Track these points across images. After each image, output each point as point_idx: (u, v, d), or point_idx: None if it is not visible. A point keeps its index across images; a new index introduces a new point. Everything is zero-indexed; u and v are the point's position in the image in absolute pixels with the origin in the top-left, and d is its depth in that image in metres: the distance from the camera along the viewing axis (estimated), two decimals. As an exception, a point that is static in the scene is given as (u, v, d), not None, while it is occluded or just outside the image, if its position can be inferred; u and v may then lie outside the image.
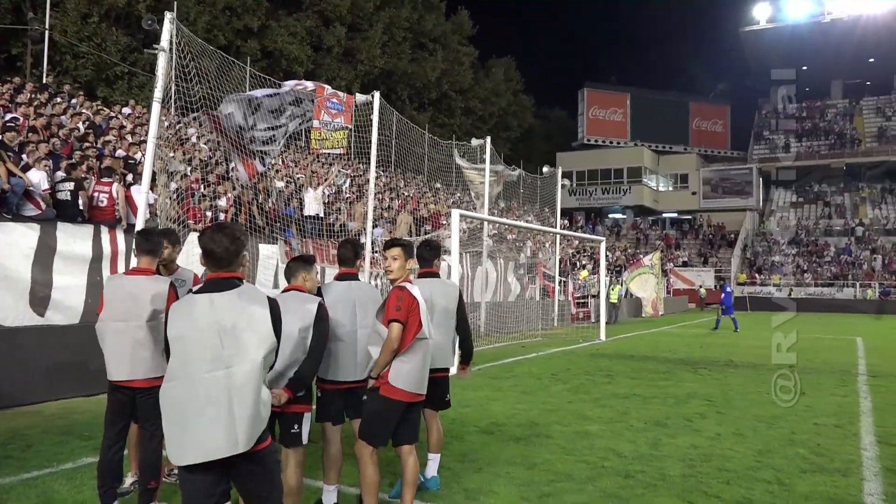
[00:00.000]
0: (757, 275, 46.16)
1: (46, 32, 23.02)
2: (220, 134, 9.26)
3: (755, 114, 63.02)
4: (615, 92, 62.88)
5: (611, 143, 60.93)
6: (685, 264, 48.70)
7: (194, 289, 3.10)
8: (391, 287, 4.24)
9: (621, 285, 28.73)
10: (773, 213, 55.40)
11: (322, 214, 14.47)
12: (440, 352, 4.86)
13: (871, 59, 54.66)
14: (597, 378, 10.88)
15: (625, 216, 58.11)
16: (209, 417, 2.77)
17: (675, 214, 57.93)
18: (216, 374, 2.80)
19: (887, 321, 29.89)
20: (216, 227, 3.01)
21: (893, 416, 8.03)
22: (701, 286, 43.08)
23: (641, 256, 34.76)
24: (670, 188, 58.79)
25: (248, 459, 2.87)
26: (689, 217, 57.19)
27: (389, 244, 4.39)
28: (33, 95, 15.51)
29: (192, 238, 10.76)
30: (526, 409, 8.07)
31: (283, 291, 4.08)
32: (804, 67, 57.75)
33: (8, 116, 12.52)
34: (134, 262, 4.46)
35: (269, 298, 3.01)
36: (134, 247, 4.45)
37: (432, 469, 4.99)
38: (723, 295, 24.99)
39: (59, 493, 4.71)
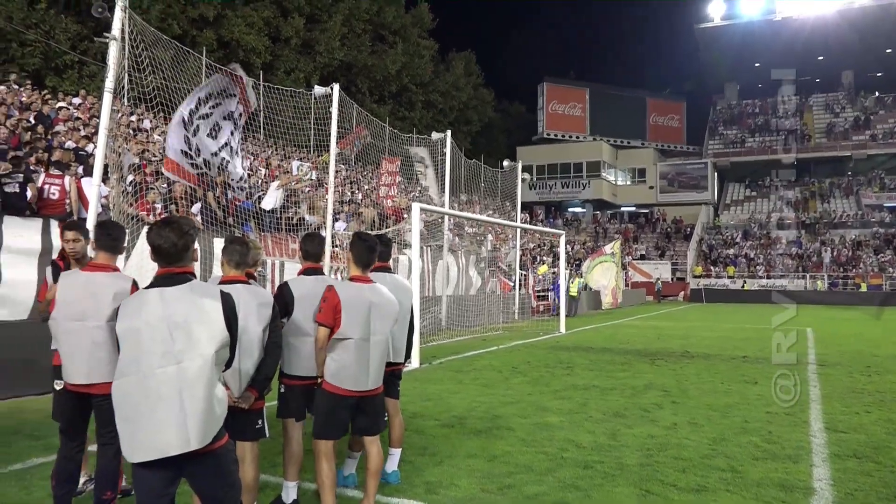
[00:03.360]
0: (712, 267, 47.21)
1: (-9, 19, 22.23)
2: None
3: (710, 109, 64.35)
4: (574, 87, 63.46)
5: (570, 137, 61.50)
6: (643, 257, 49.56)
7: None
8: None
9: (581, 278, 29.08)
10: (727, 206, 56.71)
11: (278, 207, 14.28)
12: (395, 347, 4.87)
13: (821, 57, 56.25)
14: (556, 370, 11.00)
15: (584, 210, 58.81)
16: (160, 414, 2.73)
17: (633, 208, 58.88)
18: (167, 369, 2.75)
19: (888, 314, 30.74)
20: (163, 223, 2.96)
21: (841, 404, 8.30)
22: (658, 279, 43.87)
23: (602, 246, 35.13)
24: (628, 182, 59.67)
25: (204, 458, 2.82)
26: (647, 211, 58.16)
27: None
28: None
29: (147, 232, 10.54)
30: (486, 402, 8.11)
31: (227, 282, 3.84)
32: (757, 64, 59.23)
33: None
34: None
35: (222, 292, 2.96)
36: (93, 240, 4.20)
37: (393, 463, 4.99)
38: (553, 287, 26.97)
39: (8, 495, 4.56)
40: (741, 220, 53.56)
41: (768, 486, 5.01)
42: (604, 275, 28.32)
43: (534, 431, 6.63)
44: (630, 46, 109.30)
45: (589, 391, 9.02)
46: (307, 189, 17.78)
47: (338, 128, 12.62)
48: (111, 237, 4.12)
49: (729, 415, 7.57)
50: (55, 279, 4.22)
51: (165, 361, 2.76)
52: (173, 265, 2.92)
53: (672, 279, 47.13)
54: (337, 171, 15.70)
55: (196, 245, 3.04)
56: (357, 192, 22.30)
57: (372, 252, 4.31)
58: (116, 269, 4.16)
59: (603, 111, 62.76)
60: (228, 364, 3.04)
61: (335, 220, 14.74)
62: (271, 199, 14.01)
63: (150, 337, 2.77)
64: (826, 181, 55.70)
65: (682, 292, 45.10)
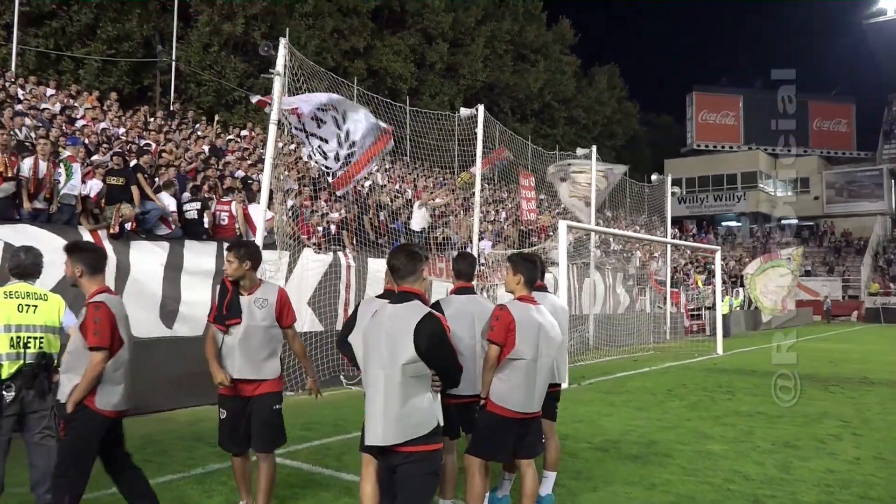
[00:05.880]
0: (892, 284, 42.64)
1: (173, 63, 24.78)
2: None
3: (884, 110, 58.50)
4: (726, 94, 60.11)
5: (723, 147, 58.25)
6: (808, 273, 45.69)
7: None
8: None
9: (732, 297, 27.25)
10: (908, 216, 51.08)
11: (427, 228, 14.64)
12: (557, 368, 4.78)
13: None
14: (716, 394, 10.35)
15: (739, 224, 55.32)
16: (373, 408, 3.27)
17: (795, 221, 54.56)
18: (378, 372, 3.28)
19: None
20: (400, 247, 3.56)
21: None
22: (827, 297, 40.29)
23: (777, 249, 32.37)
24: (789, 193, 55.47)
25: (404, 457, 3.22)
26: (811, 223, 53.69)
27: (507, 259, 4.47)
28: (163, 122, 16.65)
29: (307, 253, 11.18)
30: (641, 426, 7.78)
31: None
32: (941, 58, 53.15)
33: (142, 142, 13.50)
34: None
35: (428, 313, 3.30)
36: (78, 264, 4.05)
37: (548, 487, 4.88)
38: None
39: (192, 497, 4.96)
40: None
41: (980, 536, 4.38)
42: (773, 279, 25.79)
43: (695, 460, 6.26)
44: (789, 48, 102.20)
45: (754, 418, 8.41)
46: (453, 209, 18.08)
47: (482, 148, 12.77)
48: (96, 255, 4.11)
49: (923, 450, 6.75)
50: (220, 299, 4.44)
51: (377, 365, 3.28)
52: (404, 283, 3.43)
53: (843, 297, 43.05)
54: (482, 190, 15.84)
55: (423, 268, 3.51)
56: (501, 210, 22.42)
57: (537, 272, 4.42)
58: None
59: (759, 118, 58.88)
60: (447, 383, 3.40)
61: (480, 238, 14.89)
62: (418, 218, 14.41)
63: (371, 342, 3.34)
64: None
65: (856, 311, 41.05)
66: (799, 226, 54.12)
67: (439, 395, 3.45)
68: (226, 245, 4.60)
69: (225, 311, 4.37)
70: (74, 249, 4.07)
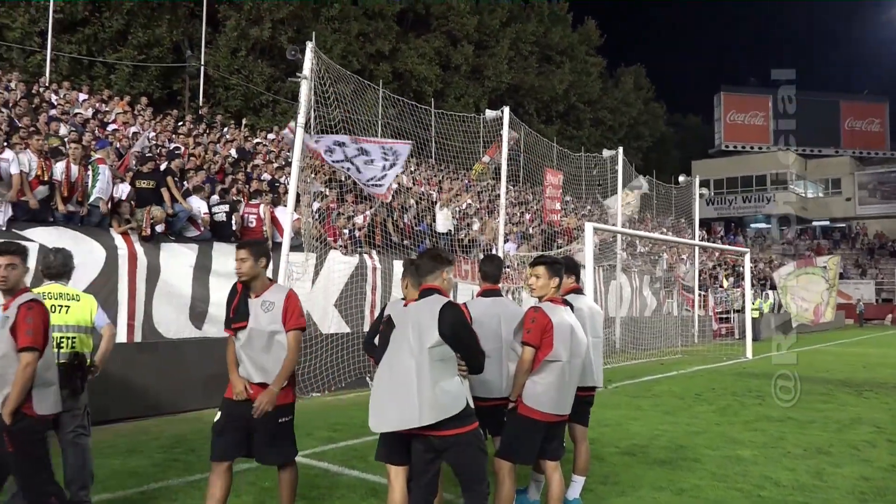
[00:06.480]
0: (926, 287, 41.68)
1: (202, 68, 25.11)
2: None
3: (919, 109, 57.21)
4: (755, 94, 59.26)
5: (751, 148, 57.46)
6: (840, 277, 44.75)
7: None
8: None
9: (762, 300, 26.84)
10: (943, 218, 49.87)
11: (453, 230, 14.64)
12: (587, 370, 4.74)
13: None
14: (746, 399, 10.20)
15: (769, 225, 54.44)
16: (407, 395, 3.46)
17: (826, 222, 53.62)
18: (409, 361, 3.50)
19: None
20: (423, 252, 3.91)
21: None
22: (859, 300, 39.50)
23: (812, 255, 31.86)
24: (820, 194, 54.53)
25: (444, 444, 3.47)
26: (843, 225, 52.69)
27: (534, 262, 4.37)
28: (192, 126, 16.88)
29: (332, 255, 11.25)
30: (669, 431, 7.69)
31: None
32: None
33: (172, 146, 13.70)
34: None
35: (448, 301, 3.61)
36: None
37: (576, 491, 4.85)
38: None
39: (219, 497, 4.99)
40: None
41: None
42: (807, 287, 25.38)
43: (725, 465, 6.16)
44: (819, 46, 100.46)
45: (785, 423, 8.26)
46: (478, 210, 18.04)
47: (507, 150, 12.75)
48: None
49: (962, 458, 6.57)
50: (229, 302, 4.22)
51: (408, 355, 3.51)
52: (424, 280, 3.73)
53: (876, 301, 42.16)
54: (507, 192, 15.81)
55: (444, 269, 3.76)
56: (526, 212, 22.34)
57: (562, 274, 4.42)
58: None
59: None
60: (472, 366, 3.63)
61: (506, 240, 14.85)
62: (441, 220, 14.43)
63: (400, 337, 3.59)
64: None
65: (890, 315, 40.19)
66: (830, 228, 53.22)
67: (467, 381, 3.71)
68: (236, 245, 4.23)
69: (232, 315, 4.13)
70: (21, 250, 3.88)
